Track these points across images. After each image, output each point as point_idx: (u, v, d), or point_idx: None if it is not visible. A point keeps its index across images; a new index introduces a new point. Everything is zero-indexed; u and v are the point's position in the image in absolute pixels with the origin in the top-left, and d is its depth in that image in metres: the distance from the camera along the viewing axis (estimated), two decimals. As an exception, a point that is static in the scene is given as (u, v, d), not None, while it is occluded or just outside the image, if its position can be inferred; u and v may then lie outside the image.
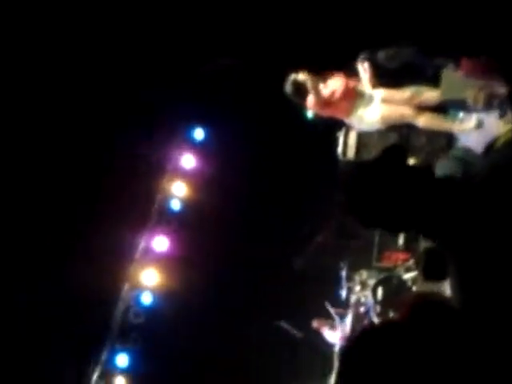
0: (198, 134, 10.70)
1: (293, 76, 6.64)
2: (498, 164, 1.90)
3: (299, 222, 9.63)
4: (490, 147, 3.07)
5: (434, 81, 6.40)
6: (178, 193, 10.39)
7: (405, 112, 6.39)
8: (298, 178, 9.69)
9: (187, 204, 10.38)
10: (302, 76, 6.59)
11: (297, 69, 6.67)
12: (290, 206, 9.72)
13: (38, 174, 8.95)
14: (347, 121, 7.06)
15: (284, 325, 8.96)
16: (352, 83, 6.68)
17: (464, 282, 1.81)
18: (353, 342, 1.88)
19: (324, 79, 6.68)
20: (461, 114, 6.24)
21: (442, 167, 2.92)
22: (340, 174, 8.15)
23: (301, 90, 6.61)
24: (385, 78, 6.85)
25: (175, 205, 10.36)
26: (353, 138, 7.94)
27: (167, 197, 10.40)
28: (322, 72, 6.74)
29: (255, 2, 8.95)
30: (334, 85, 6.62)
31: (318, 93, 6.50)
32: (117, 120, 9.39)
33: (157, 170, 10.30)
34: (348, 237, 9.38)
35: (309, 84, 6.52)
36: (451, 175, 2.82)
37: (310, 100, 6.61)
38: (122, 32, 9.05)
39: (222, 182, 9.82)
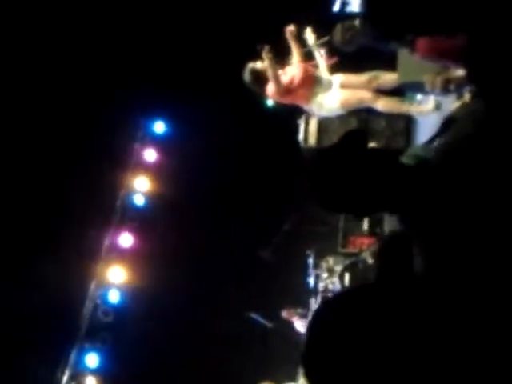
0: (159, 127, 10.60)
1: (250, 65, 6.52)
2: (450, 142, 1.91)
3: (264, 211, 9.62)
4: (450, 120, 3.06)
5: (391, 64, 6.42)
6: (141, 188, 10.28)
7: (363, 96, 6.35)
8: (261, 168, 9.68)
9: (151, 199, 10.29)
10: (260, 64, 6.47)
11: (254, 57, 6.56)
12: (253, 196, 9.70)
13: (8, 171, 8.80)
14: (307, 107, 7.00)
15: (254, 316, 8.96)
16: (310, 69, 6.61)
17: (427, 255, 1.83)
18: (317, 312, 1.88)
19: (282, 66, 6.58)
20: (419, 97, 6.27)
21: None
22: (302, 160, 8.18)
23: (260, 78, 6.49)
24: (343, 62, 6.84)
25: (139, 200, 10.26)
26: (313, 125, 7.94)
27: (130, 192, 10.30)
28: (279, 57, 6.65)
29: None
30: (293, 71, 6.52)
31: (277, 81, 6.40)
32: (76, 116, 9.26)
33: (119, 165, 10.19)
34: (313, 224, 9.41)
35: (268, 72, 6.42)
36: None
37: (270, 88, 6.50)
38: (81, 27, 8.93)
39: (185, 174, 9.76)
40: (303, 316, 8.49)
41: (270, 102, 8.93)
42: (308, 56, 6.80)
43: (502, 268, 1.65)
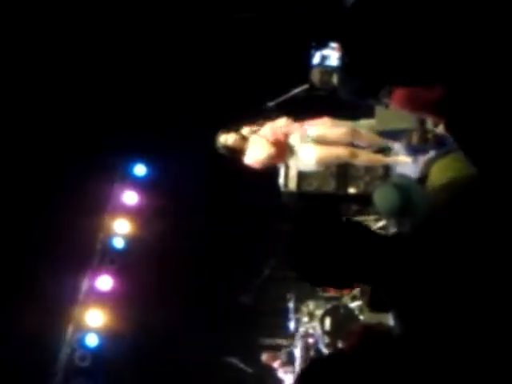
0: (139, 170, 10.61)
1: (222, 139, 6.44)
2: (429, 216, 1.96)
3: (243, 256, 9.61)
4: (423, 178, 3.13)
5: (369, 111, 6.48)
6: (120, 230, 10.23)
7: (340, 153, 6.27)
8: (240, 212, 9.70)
9: (130, 241, 10.24)
10: (230, 139, 6.39)
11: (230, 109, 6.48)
12: (233, 240, 9.70)
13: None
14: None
15: (234, 361, 8.87)
16: (278, 131, 6.42)
17: (402, 318, 1.87)
18: (302, 375, 1.92)
19: (254, 132, 6.45)
20: (395, 146, 6.32)
21: (380, 194, 2.96)
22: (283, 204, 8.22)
23: (232, 151, 6.45)
24: (322, 109, 6.86)
25: (118, 243, 10.20)
26: (293, 169, 7.98)
27: (110, 235, 10.23)
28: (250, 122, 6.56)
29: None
30: (262, 133, 6.41)
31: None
32: (55, 158, 9.23)
33: (98, 207, 10.15)
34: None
35: (238, 146, 6.36)
36: (388, 206, 2.89)
37: (247, 159, 6.44)
38: (60, 68, 8.96)
39: (166, 217, 9.74)
40: (285, 363, 8.41)
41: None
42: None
43: (473, 331, 1.70)
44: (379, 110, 6.16)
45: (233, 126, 6.46)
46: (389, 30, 1.73)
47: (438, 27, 1.70)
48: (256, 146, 6.27)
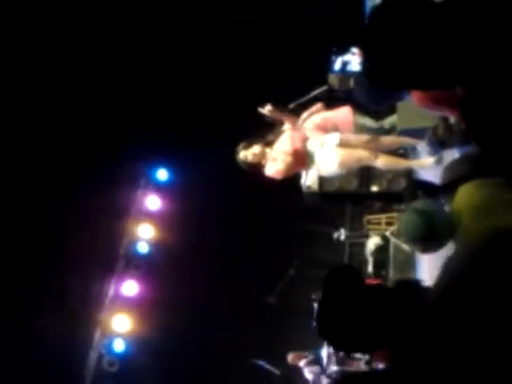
0: (162, 174, 10.68)
1: (241, 156, 6.42)
2: (447, 281, 2.00)
3: (268, 256, 9.61)
4: (448, 185, 3.11)
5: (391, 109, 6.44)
6: (144, 235, 10.29)
7: (362, 155, 6.20)
8: (264, 213, 9.70)
9: (155, 246, 10.29)
10: (249, 156, 6.37)
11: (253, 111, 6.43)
12: (258, 241, 9.70)
13: (8, 221, 8.79)
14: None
15: (261, 363, 8.86)
16: (300, 148, 6.35)
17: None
18: None
19: (270, 144, 6.42)
20: (419, 147, 6.26)
21: (406, 223, 2.95)
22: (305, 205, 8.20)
23: (253, 165, 6.44)
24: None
25: (142, 248, 10.26)
26: (315, 172, 7.96)
27: (134, 240, 10.30)
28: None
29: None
30: (281, 146, 6.36)
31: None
32: (79, 164, 9.31)
33: (122, 212, 10.22)
34: (318, 267, 9.36)
35: (258, 160, 6.35)
36: (413, 233, 2.90)
37: (268, 170, 6.42)
38: (84, 74, 9.05)
39: (189, 221, 9.78)
40: (311, 362, 8.39)
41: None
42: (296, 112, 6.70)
43: None
44: (401, 108, 6.12)
45: (251, 139, 6.41)
46: (409, 36, 1.73)
47: (458, 33, 1.69)
48: (275, 158, 6.26)
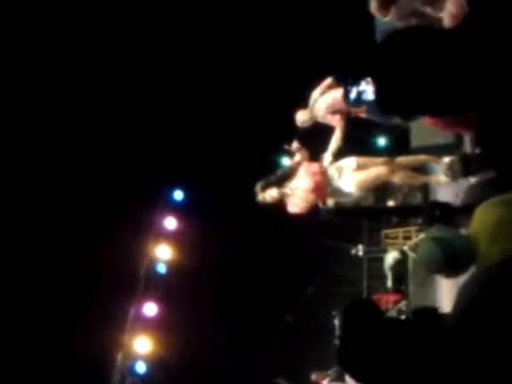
0: (178, 195, 10.75)
1: (260, 197, 6.31)
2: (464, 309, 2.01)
3: (287, 275, 9.61)
4: (466, 208, 3.11)
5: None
6: (163, 256, 10.34)
7: (379, 172, 6.10)
8: (282, 231, 9.69)
9: (173, 266, 10.33)
10: (268, 198, 6.25)
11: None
12: (276, 260, 9.70)
13: (32, 248, 8.86)
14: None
15: (282, 382, 8.84)
16: (318, 175, 6.25)
17: None
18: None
19: (290, 180, 6.30)
20: (434, 165, 6.23)
21: (425, 253, 2.94)
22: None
23: (272, 205, 6.33)
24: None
25: (161, 268, 10.31)
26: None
27: (153, 261, 10.34)
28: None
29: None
30: (302, 185, 6.25)
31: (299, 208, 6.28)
32: (98, 187, 9.37)
33: (141, 234, 10.27)
34: (337, 284, 9.37)
35: (277, 201, 6.23)
36: (433, 263, 2.89)
37: (289, 209, 6.31)
38: (102, 98, 9.14)
39: (207, 241, 9.79)
40: (334, 380, 8.36)
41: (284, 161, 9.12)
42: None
43: None
44: (414, 125, 6.13)
45: (266, 180, 6.37)
46: (419, 65, 1.75)
47: (468, 61, 1.71)
48: (297, 198, 6.19)
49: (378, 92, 1.92)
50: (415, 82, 1.79)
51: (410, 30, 1.87)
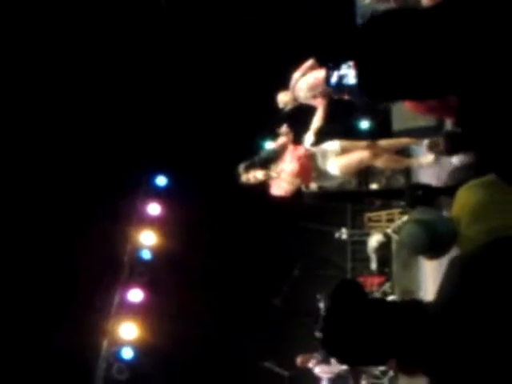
0: (161, 180, 10.71)
1: (243, 178, 6.22)
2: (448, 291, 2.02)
3: (272, 259, 9.63)
4: (449, 189, 3.13)
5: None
6: (147, 242, 10.31)
7: (362, 156, 6.05)
8: (266, 215, 9.69)
9: (157, 252, 10.31)
10: (252, 179, 6.17)
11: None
12: (260, 244, 9.71)
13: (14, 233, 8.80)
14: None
15: (270, 365, 8.89)
16: (303, 157, 6.21)
17: None
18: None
19: (275, 163, 6.23)
20: (416, 147, 6.27)
21: (408, 235, 2.95)
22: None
23: (255, 186, 6.25)
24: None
25: (146, 254, 10.29)
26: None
27: (137, 247, 10.32)
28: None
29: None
30: (287, 168, 6.19)
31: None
32: (80, 175, 9.31)
33: (123, 220, 10.23)
34: (321, 267, 9.41)
35: (262, 182, 6.18)
36: (416, 245, 2.90)
37: (274, 191, 6.27)
38: (82, 83, 9.07)
39: (190, 226, 9.78)
40: (322, 361, 8.42)
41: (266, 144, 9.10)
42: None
43: None
44: (395, 109, 6.13)
45: (250, 161, 6.32)
46: (400, 48, 1.74)
47: (447, 43, 1.71)
48: (282, 181, 6.17)
49: (359, 76, 1.92)
50: (396, 66, 1.79)
51: (390, 13, 1.86)
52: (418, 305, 2.10)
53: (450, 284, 2.06)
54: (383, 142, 6.16)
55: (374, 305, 2.09)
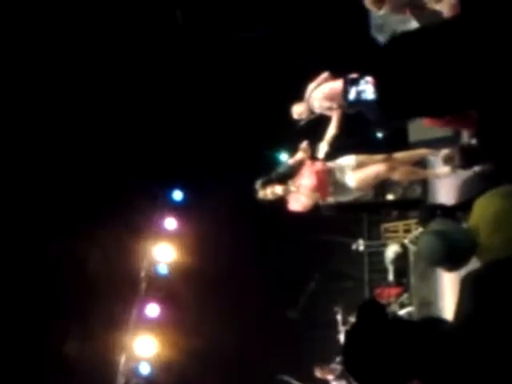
0: (177, 195, 10.74)
1: (261, 194, 6.28)
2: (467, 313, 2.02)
3: (289, 271, 9.61)
4: (466, 203, 3.11)
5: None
6: (163, 257, 10.31)
7: (379, 170, 6.09)
8: (281, 227, 9.68)
9: (174, 267, 10.31)
10: (269, 195, 6.23)
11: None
12: (276, 257, 9.70)
13: (30, 251, 8.82)
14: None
15: (287, 378, 8.84)
16: (320, 170, 6.23)
17: None
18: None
19: (292, 178, 6.27)
20: (433, 158, 6.23)
21: (425, 247, 2.94)
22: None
23: (274, 202, 6.32)
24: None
25: (163, 269, 10.29)
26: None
27: (154, 262, 10.32)
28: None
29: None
30: (306, 183, 6.21)
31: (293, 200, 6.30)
32: (97, 189, 9.34)
33: (141, 235, 10.24)
34: (338, 279, 9.37)
35: (279, 198, 6.23)
36: (433, 256, 2.89)
37: (292, 207, 6.32)
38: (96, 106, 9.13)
39: (207, 240, 9.79)
40: (340, 376, 8.36)
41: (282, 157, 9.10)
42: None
43: None
44: (412, 121, 6.11)
45: (267, 177, 6.31)
46: (421, 68, 1.76)
47: (464, 61, 1.71)
48: (301, 194, 6.18)
49: (380, 95, 1.93)
50: (416, 85, 1.81)
51: (412, 33, 1.89)
52: (438, 323, 2.09)
53: (465, 303, 2.05)
54: (399, 155, 6.14)
55: (395, 325, 2.08)
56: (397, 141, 7.19)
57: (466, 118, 3.67)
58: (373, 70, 1.89)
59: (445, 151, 5.59)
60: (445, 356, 1.90)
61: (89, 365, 8.60)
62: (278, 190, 6.18)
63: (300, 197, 6.17)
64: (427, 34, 1.85)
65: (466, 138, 5.46)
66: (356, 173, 6.05)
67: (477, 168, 4.01)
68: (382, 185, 8.42)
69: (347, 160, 6.15)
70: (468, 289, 2.06)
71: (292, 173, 6.26)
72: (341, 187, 6.18)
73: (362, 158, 6.13)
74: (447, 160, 5.40)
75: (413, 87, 1.78)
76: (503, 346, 1.81)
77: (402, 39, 1.84)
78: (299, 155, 6.34)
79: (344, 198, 6.45)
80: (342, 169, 6.13)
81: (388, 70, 1.80)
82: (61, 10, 8.35)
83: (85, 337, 8.76)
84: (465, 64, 1.70)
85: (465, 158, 4.64)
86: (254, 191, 6.26)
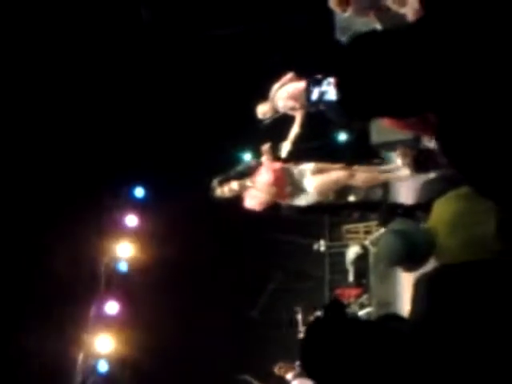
0: (138, 192, 10.66)
1: (218, 192, 6.17)
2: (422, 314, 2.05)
3: (249, 271, 9.63)
4: (424, 205, 3.15)
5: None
6: (123, 254, 10.23)
7: (338, 176, 6.08)
8: (242, 228, 9.70)
9: (134, 264, 10.24)
10: (227, 192, 6.13)
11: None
12: (237, 256, 9.70)
13: None
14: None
15: (247, 378, 8.85)
16: (278, 168, 6.21)
17: None
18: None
19: (250, 175, 6.21)
20: (394, 159, 6.30)
21: (384, 245, 2.96)
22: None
23: (230, 200, 6.21)
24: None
25: (123, 266, 10.21)
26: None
27: (114, 259, 10.23)
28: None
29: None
30: (263, 179, 6.13)
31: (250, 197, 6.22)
32: (56, 186, 9.24)
33: (100, 232, 10.16)
34: (299, 279, 9.42)
35: (236, 195, 6.13)
36: (393, 255, 2.91)
37: (247, 203, 6.19)
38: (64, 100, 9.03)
39: (168, 237, 9.74)
40: (300, 375, 8.38)
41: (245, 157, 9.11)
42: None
43: None
44: (374, 122, 6.17)
45: (224, 175, 6.29)
46: (382, 69, 1.77)
47: (426, 62, 1.73)
48: (258, 190, 6.13)
49: (341, 95, 1.94)
50: (377, 85, 1.82)
51: (373, 34, 1.89)
52: (395, 321, 2.12)
53: (418, 303, 2.08)
54: (360, 169, 6.17)
55: (353, 326, 2.09)
56: (359, 143, 7.26)
57: (425, 121, 3.72)
58: (333, 68, 1.90)
59: (400, 148, 5.64)
60: (399, 356, 1.92)
61: (46, 363, 8.49)
62: (234, 185, 6.14)
63: (257, 193, 6.13)
64: (389, 36, 1.87)
65: (427, 140, 5.54)
66: (316, 176, 6.03)
67: (435, 172, 4.07)
68: (343, 187, 8.48)
69: (308, 165, 6.15)
70: (421, 290, 2.08)
71: (250, 172, 6.25)
72: (299, 189, 6.17)
73: (322, 165, 6.15)
74: (402, 156, 5.44)
75: (373, 87, 1.79)
76: (454, 346, 1.84)
77: (363, 39, 1.86)
78: (263, 158, 6.33)
79: (302, 202, 6.40)
80: (301, 171, 6.12)
81: (348, 69, 1.81)
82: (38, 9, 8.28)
83: (43, 334, 8.65)
84: (425, 66, 1.72)
85: (419, 163, 4.70)
86: (210, 189, 6.21)
